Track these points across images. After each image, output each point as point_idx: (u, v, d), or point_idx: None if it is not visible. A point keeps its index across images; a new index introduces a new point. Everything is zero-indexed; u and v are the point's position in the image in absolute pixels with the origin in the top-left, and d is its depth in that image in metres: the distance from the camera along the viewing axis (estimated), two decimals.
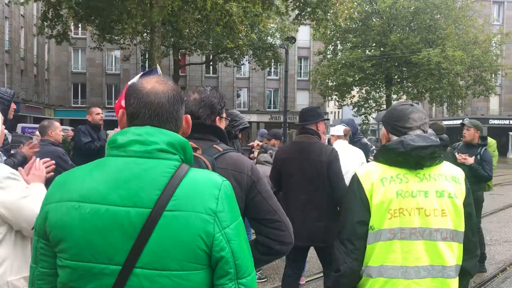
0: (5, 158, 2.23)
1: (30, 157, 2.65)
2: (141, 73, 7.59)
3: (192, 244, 1.25)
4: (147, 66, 35.93)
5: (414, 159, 2.01)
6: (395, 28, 32.09)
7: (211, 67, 40.37)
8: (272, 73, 42.67)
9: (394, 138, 2.12)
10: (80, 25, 25.30)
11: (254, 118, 39.73)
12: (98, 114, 6.18)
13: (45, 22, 19.10)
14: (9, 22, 32.66)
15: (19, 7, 32.24)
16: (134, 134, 1.34)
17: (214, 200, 1.29)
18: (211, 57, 33.72)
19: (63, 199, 1.31)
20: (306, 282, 5.41)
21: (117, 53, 37.24)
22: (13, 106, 3.37)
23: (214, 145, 1.89)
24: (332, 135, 5.70)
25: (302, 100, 43.11)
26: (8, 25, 32.63)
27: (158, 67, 7.04)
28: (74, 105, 39.98)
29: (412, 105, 2.18)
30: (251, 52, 30.98)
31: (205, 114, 1.95)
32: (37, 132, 7.16)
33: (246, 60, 34.74)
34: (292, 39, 26.09)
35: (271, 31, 29.50)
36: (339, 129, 5.58)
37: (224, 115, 2.07)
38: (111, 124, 7.06)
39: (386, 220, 2.01)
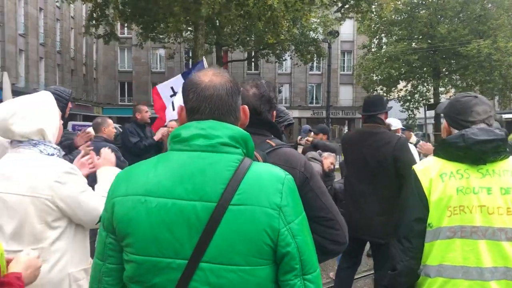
0: (63, 153, 2.30)
1: (85, 153, 2.74)
2: (188, 69, 7.69)
3: (257, 239, 1.24)
4: (190, 64, 36.45)
5: (475, 153, 1.91)
6: (442, 19, 30.98)
7: (253, 63, 40.44)
8: (314, 68, 42.23)
9: (456, 131, 2.03)
10: (126, 25, 25.98)
11: (295, 113, 39.49)
12: (147, 112, 6.29)
13: (91, 22, 19.75)
14: (60, 24, 34.05)
15: (70, 9, 33.57)
16: (197, 128, 1.34)
17: (278, 195, 1.28)
18: (253, 54, 33.80)
19: (129, 193, 1.32)
20: (354, 279, 5.31)
21: (162, 51, 37.96)
22: (69, 105, 3.50)
23: (267, 140, 1.87)
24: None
25: (345, 94, 42.48)
26: (59, 27, 34.02)
27: (204, 59, 7.11)
28: (121, 103, 41.12)
29: (476, 96, 2.06)
30: (293, 47, 30.79)
31: (266, 109, 1.94)
32: (88, 130, 7.41)
33: (288, 56, 34.54)
34: (335, 33, 25.71)
35: (313, 26, 29.19)
36: (398, 123, 5.42)
37: None
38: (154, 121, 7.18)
39: (446, 217, 1.93)
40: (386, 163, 3.54)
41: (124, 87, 41.42)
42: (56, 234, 2.05)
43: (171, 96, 6.93)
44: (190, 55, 35.33)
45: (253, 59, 36.55)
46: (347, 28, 37.87)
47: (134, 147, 5.89)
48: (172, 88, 7.02)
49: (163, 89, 7.07)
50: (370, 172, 3.62)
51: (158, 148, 6.23)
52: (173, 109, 6.66)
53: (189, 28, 22.27)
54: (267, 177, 1.31)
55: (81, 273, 2.13)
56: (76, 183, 2.08)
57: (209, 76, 1.40)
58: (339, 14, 21.88)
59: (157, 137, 6.09)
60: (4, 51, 26.30)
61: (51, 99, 2.20)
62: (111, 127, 5.19)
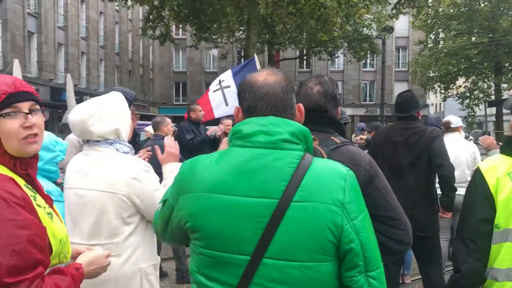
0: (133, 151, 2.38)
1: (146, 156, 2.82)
2: (241, 65, 7.74)
3: (320, 235, 1.25)
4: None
5: None
6: (505, 12, 29.39)
7: (304, 61, 40.20)
8: (368, 64, 41.40)
9: None
10: (180, 26, 26.63)
11: (348, 111, 38.57)
12: (200, 111, 6.45)
13: (147, 24, 20.42)
14: (118, 26, 35.44)
15: (128, 12, 34.86)
16: (258, 124, 1.35)
17: (341, 191, 1.27)
18: (304, 52, 33.57)
19: (194, 190, 1.36)
20: (411, 281, 5.19)
21: (215, 52, 38.58)
22: (132, 107, 3.64)
23: (332, 137, 1.86)
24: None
25: (400, 92, 41.28)
26: (118, 30, 35.42)
27: (256, 56, 7.19)
28: (176, 102, 42.16)
29: None
30: (345, 45, 30.33)
31: (331, 106, 1.94)
32: (146, 128, 7.69)
33: (341, 53, 34.04)
34: (390, 29, 25.08)
35: (367, 22, 28.61)
36: (458, 120, 5.23)
37: None
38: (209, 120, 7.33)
39: None
40: (422, 155, 3.59)
41: (179, 87, 42.43)
42: (130, 229, 2.12)
43: (217, 85, 7.03)
44: (242, 54, 35.77)
45: (304, 57, 36.32)
46: (402, 24, 36.79)
47: (189, 143, 6.07)
48: (219, 80, 7.11)
49: (212, 85, 7.19)
50: (406, 165, 3.64)
51: (214, 145, 6.40)
52: (226, 104, 6.76)
53: (241, 28, 22.50)
54: (329, 174, 1.31)
55: (150, 268, 2.19)
56: (151, 180, 2.16)
57: (264, 75, 1.42)
58: (394, 10, 21.25)
59: (209, 132, 6.27)
60: (68, 53, 27.71)
61: (123, 100, 2.27)
62: (169, 126, 5.37)
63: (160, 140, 5.14)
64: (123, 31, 36.15)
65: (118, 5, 30.16)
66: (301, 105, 1.50)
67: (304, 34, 27.14)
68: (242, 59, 36.36)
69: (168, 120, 5.45)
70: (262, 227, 1.26)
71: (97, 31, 31.75)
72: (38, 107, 1.46)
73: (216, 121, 7.27)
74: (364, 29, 29.38)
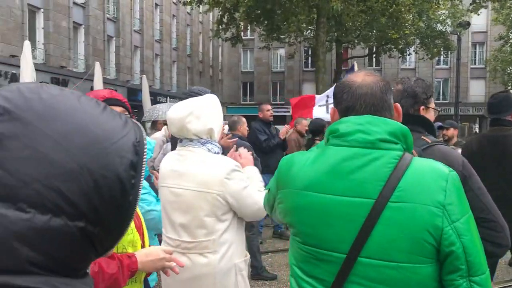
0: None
1: (226, 147, 2.93)
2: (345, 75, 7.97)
3: (418, 237, 1.23)
4: (309, 62, 36.63)
5: None
6: None
7: (374, 59, 39.22)
8: (442, 62, 39.52)
9: None
10: (249, 27, 26.98)
11: None
12: (268, 110, 6.53)
13: (220, 26, 20.94)
14: (190, 29, 36.60)
15: (199, 15, 35.93)
16: (355, 123, 1.34)
17: (441, 192, 1.24)
18: (374, 49, 32.76)
19: (290, 187, 1.41)
20: None
21: (282, 51, 38.74)
22: None
23: (422, 137, 1.85)
24: None
25: (476, 90, 39.09)
26: (190, 32, 36.59)
27: (355, 64, 7.31)
28: (243, 102, 42.79)
29: None
30: (417, 41, 29.21)
31: (408, 104, 1.93)
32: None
33: (413, 50, 32.82)
34: (466, 24, 23.83)
35: (441, 18, 27.37)
36: None
37: (432, 105, 2.01)
38: (278, 119, 7.48)
39: None
40: None
41: (246, 87, 43.04)
42: (224, 226, 2.21)
43: (326, 101, 7.24)
44: (309, 53, 35.54)
45: (374, 55, 35.44)
46: (480, 18, 34.73)
47: (262, 145, 6.17)
48: (327, 96, 7.31)
49: (319, 99, 7.44)
50: (503, 177, 3.37)
51: (284, 146, 6.53)
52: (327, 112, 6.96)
53: (309, 27, 22.42)
54: (430, 174, 1.28)
55: (243, 264, 2.29)
56: (241, 179, 2.24)
57: (362, 76, 1.43)
58: (473, 5, 20.16)
59: (282, 135, 6.39)
60: (143, 56, 29.01)
61: (217, 101, 2.38)
62: (245, 126, 5.50)
63: (236, 139, 5.32)
64: (194, 33, 37.26)
65: (191, 8, 31.14)
66: (398, 104, 1.49)
67: (374, 31, 26.49)
68: (309, 58, 36.24)
69: (244, 120, 5.59)
70: (357, 227, 1.26)
71: (170, 33, 32.90)
72: (127, 113, 1.89)
73: (283, 122, 7.47)
74: (438, 25, 28.13)
